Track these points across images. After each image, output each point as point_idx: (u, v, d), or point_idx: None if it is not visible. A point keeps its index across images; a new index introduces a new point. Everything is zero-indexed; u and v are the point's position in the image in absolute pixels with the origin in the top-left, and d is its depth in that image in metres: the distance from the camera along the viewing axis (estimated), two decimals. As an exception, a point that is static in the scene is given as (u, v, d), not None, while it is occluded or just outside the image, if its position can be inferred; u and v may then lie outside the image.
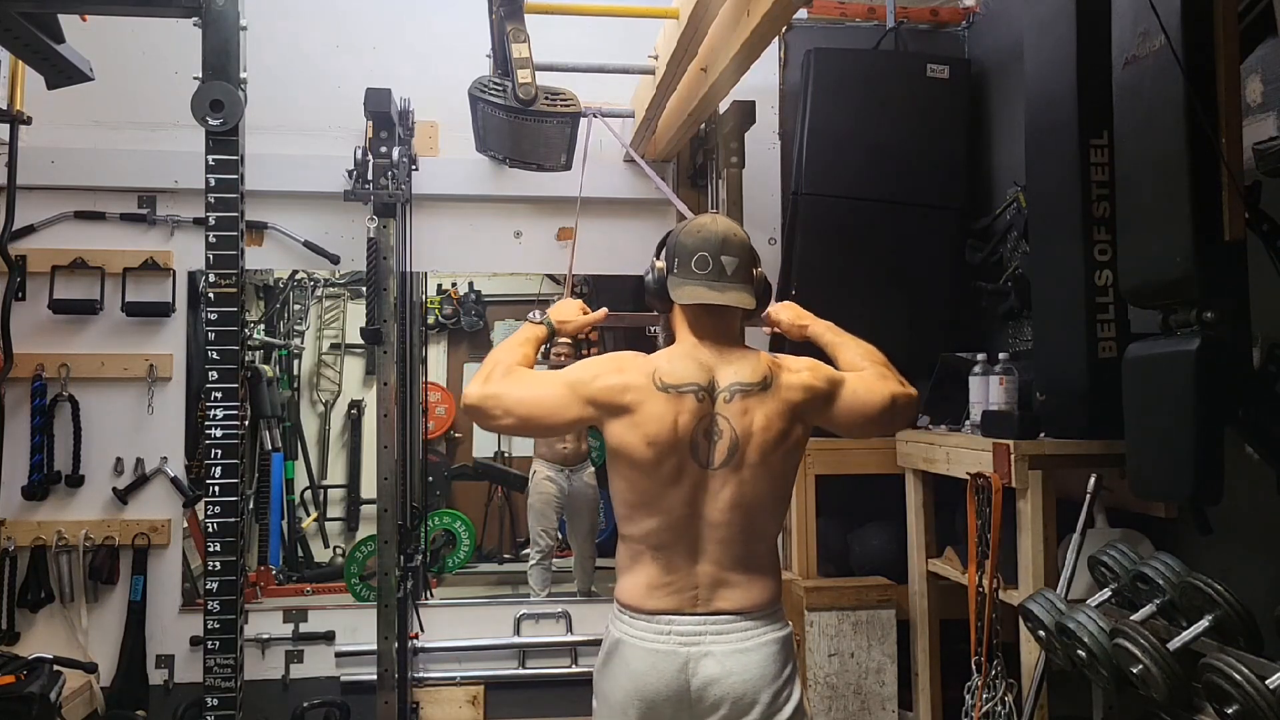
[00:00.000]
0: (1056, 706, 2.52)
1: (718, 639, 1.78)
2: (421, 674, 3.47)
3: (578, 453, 4.62)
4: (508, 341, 1.96)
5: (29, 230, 3.36)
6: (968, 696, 2.70)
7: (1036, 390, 2.65)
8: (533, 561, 4.58)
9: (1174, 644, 1.70)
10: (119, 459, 3.42)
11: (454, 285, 5.32)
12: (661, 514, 1.80)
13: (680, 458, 1.78)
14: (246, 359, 2.55)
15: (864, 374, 1.99)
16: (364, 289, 3.37)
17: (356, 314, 5.26)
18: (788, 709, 1.80)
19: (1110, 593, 2.03)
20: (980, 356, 2.91)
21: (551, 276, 5.32)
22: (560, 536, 4.71)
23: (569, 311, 2.07)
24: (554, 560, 4.65)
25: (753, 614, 1.81)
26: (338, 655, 3.50)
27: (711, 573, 1.80)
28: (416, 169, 3.44)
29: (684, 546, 1.80)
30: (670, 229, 1.97)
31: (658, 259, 1.92)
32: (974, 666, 2.69)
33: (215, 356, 2.25)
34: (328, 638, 3.52)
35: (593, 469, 4.64)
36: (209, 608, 2.24)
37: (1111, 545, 2.08)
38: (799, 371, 1.87)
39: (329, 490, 5.25)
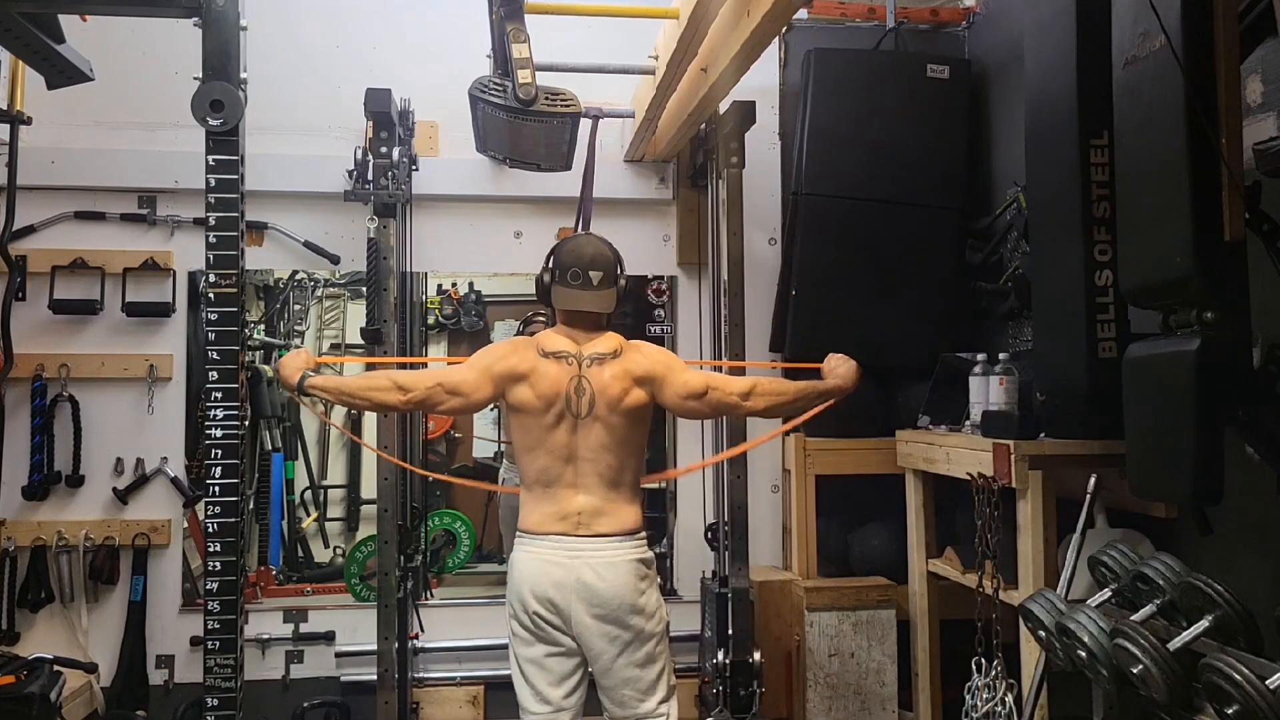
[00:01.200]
0: (1056, 706, 2.52)
1: (594, 555, 2.31)
2: (421, 674, 3.48)
3: None
4: (367, 376, 2.63)
5: (29, 230, 3.36)
6: (968, 696, 2.70)
7: (1036, 390, 2.65)
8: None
9: (1174, 644, 1.70)
10: (119, 459, 3.42)
11: (454, 285, 5.30)
12: (547, 452, 2.34)
13: (560, 406, 2.34)
14: (246, 359, 2.55)
15: (712, 375, 2.55)
16: (364, 289, 3.37)
17: (356, 314, 5.24)
18: (648, 609, 2.33)
19: (1110, 593, 2.03)
20: (980, 356, 2.91)
21: (551, 276, 5.32)
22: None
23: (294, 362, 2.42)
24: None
25: (621, 535, 2.34)
26: (338, 655, 3.50)
27: (588, 502, 2.34)
28: (416, 169, 3.44)
29: (566, 481, 2.35)
30: (560, 240, 2.52)
31: (544, 269, 2.46)
32: (974, 666, 2.69)
33: (215, 356, 2.24)
34: (328, 638, 3.53)
35: None
36: (209, 608, 2.24)
37: (1111, 545, 2.08)
38: (648, 354, 2.44)
39: (329, 490, 5.25)
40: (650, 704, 2.35)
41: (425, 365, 3.26)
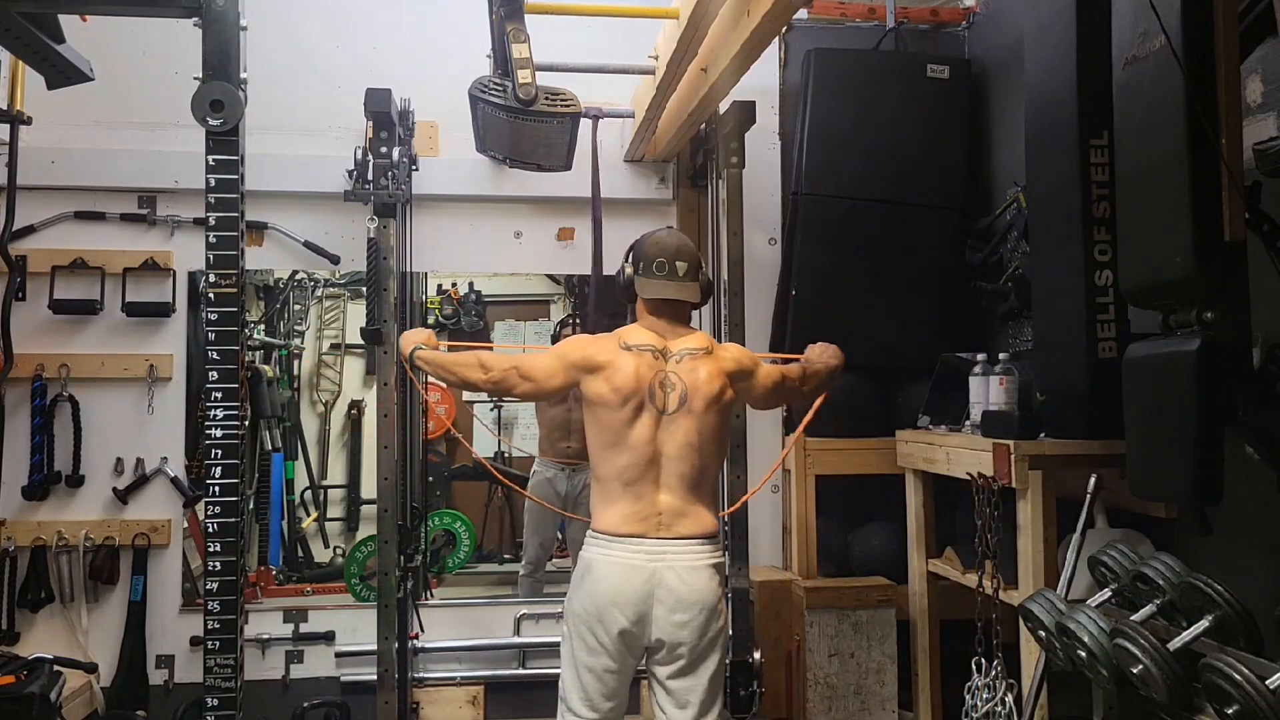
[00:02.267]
0: (1056, 706, 2.52)
1: (677, 558, 2.23)
2: (421, 674, 3.47)
3: (582, 451, 4.50)
4: (461, 354, 2.55)
5: (29, 230, 3.36)
6: (968, 696, 2.70)
7: (1036, 390, 2.65)
8: (523, 571, 4.50)
9: (1174, 644, 1.70)
10: (119, 459, 3.42)
11: (454, 285, 5.32)
12: (628, 450, 2.27)
13: (640, 401, 2.27)
14: (246, 359, 2.55)
15: (775, 366, 2.58)
16: (364, 289, 3.37)
17: (356, 314, 5.26)
18: (722, 619, 2.29)
19: (1110, 593, 2.03)
20: (980, 357, 2.91)
21: (551, 276, 5.32)
22: (560, 536, 4.70)
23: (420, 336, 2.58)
24: (554, 559, 4.63)
25: (702, 539, 2.28)
26: (338, 655, 3.49)
27: (671, 503, 2.26)
28: (416, 169, 3.43)
29: (649, 480, 2.27)
30: (639, 237, 2.48)
31: (626, 263, 2.44)
32: (974, 666, 2.69)
33: (215, 356, 2.24)
34: (328, 638, 3.52)
35: None
36: (209, 608, 2.24)
37: (1111, 545, 2.08)
38: (732, 350, 2.46)
39: (329, 490, 5.25)
40: (714, 712, 2.29)
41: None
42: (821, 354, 2.61)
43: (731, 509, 3.15)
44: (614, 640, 2.23)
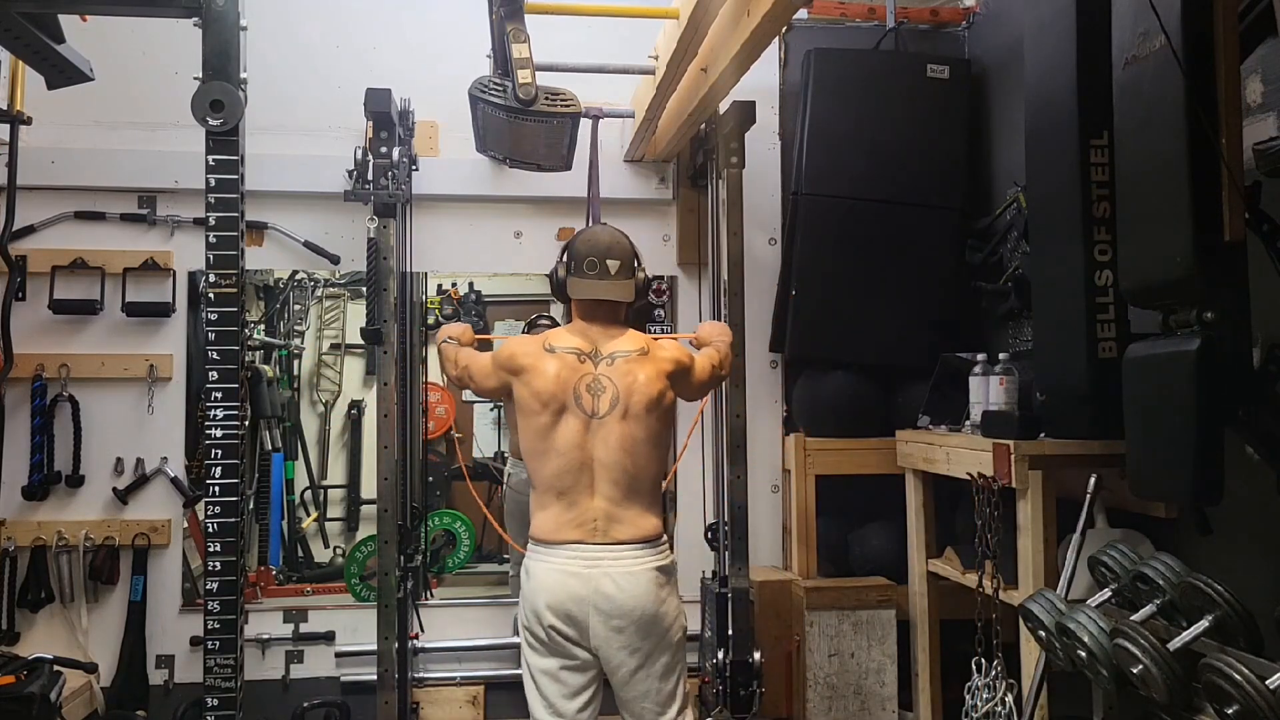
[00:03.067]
0: (1056, 706, 2.51)
1: (614, 563, 2.21)
2: (421, 674, 3.47)
3: None
4: (453, 347, 2.58)
5: (29, 230, 3.36)
6: (968, 696, 2.70)
7: (1037, 390, 2.65)
8: (514, 573, 4.51)
9: (1174, 644, 1.70)
10: (119, 459, 3.42)
11: (454, 285, 5.31)
12: (556, 456, 2.25)
13: (561, 404, 2.25)
14: (246, 359, 2.55)
15: (702, 356, 2.52)
16: (364, 289, 3.37)
17: (356, 314, 5.25)
18: (668, 620, 2.25)
19: (1110, 593, 2.03)
20: (980, 357, 2.91)
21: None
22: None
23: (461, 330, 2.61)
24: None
25: (640, 543, 2.25)
26: (338, 655, 3.50)
27: (606, 509, 2.24)
28: (416, 169, 3.44)
29: (582, 486, 2.25)
30: (574, 234, 2.47)
31: (560, 263, 2.41)
32: (974, 666, 2.69)
33: (215, 356, 2.24)
34: (328, 638, 3.52)
35: None
36: (209, 608, 2.24)
37: (1111, 545, 2.08)
38: (669, 348, 2.40)
39: (329, 490, 5.25)
40: (670, 714, 2.28)
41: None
42: (718, 332, 2.63)
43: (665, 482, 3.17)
44: (556, 640, 2.24)
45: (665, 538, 2.34)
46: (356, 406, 5.26)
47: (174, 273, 3.45)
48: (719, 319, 3.43)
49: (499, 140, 2.94)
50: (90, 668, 3.26)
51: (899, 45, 3.80)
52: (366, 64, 3.53)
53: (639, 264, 2.42)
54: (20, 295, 3.31)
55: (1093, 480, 2.38)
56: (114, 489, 3.40)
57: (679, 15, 2.55)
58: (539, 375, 2.27)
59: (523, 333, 4.77)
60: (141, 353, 3.43)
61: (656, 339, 2.44)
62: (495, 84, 2.62)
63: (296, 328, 5.14)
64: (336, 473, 5.28)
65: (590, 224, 3.24)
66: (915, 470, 3.26)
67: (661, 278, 3.82)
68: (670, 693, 2.28)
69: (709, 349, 2.55)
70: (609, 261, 2.34)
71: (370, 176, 3.16)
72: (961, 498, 3.01)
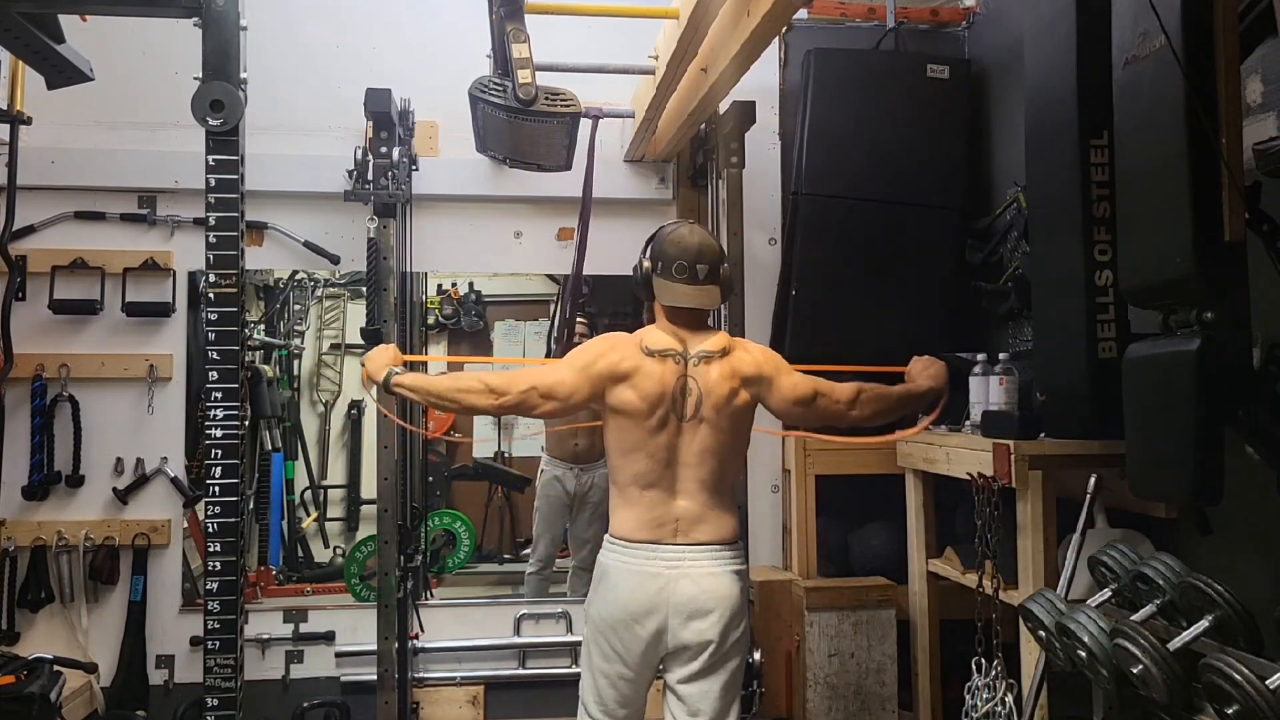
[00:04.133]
0: (1056, 706, 2.51)
1: (694, 564, 2.18)
2: (421, 674, 3.47)
3: (590, 450, 4.38)
4: (457, 377, 2.55)
5: (29, 230, 3.36)
6: (968, 696, 2.70)
7: (1036, 390, 2.65)
8: (531, 569, 4.48)
9: (1174, 644, 1.70)
10: (119, 459, 3.42)
11: (454, 285, 5.31)
12: (647, 456, 2.21)
13: (665, 407, 2.21)
14: (246, 359, 2.55)
15: (819, 380, 2.36)
16: (364, 289, 3.37)
17: (356, 314, 5.25)
18: (741, 625, 2.23)
19: (1110, 593, 2.03)
20: (980, 356, 2.91)
21: (551, 276, 5.32)
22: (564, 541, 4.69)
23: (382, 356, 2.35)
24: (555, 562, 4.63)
25: (720, 545, 2.22)
26: (338, 655, 3.50)
27: (688, 509, 2.21)
28: (416, 169, 3.44)
29: (665, 486, 2.21)
30: (658, 227, 2.35)
31: (644, 258, 2.32)
32: (974, 666, 2.69)
33: (215, 356, 2.25)
34: (328, 638, 3.52)
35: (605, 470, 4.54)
36: (209, 608, 2.24)
37: (1111, 545, 2.08)
38: (754, 352, 2.32)
39: (329, 490, 5.25)
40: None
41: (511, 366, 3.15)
42: (923, 369, 2.43)
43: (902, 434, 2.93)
44: (629, 649, 2.19)
45: (740, 542, 2.31)
46: (356, 406, 5.26)
47: (174, 273, 3.45)
48: (719, 319, 3.42)
49: (499, 140, 2.94)
50: (90, 668, 3.26)
51: (899, 45, 3.80)
52: (366, 64, 3.53)
53: (727, 264, 2.34)
54: (20, 295, 3.31)
55: (1093, 480, 2.38)
56: (114, 489, 3.40)
57: (679, 15, 2.55)
58: (647, 378, 2.20)
59: (555, 339, 4.69)
60: (141, 353, 3.43)
61: (741, 342, 2.35)
62: (495, 84, 2.62)
63: (296, 328, 5.14)
64: (336, 473, 5.28)
65: (580, 224, 3.23)
66: (915, 470, 3.26)
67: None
68: (732, 701, 2.24)
69: (848, 385, 2.34)
70: (699, 266, 2.25)
71: (370, 176, 3.16)
72: (961, 498, 3.01)
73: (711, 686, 2.20)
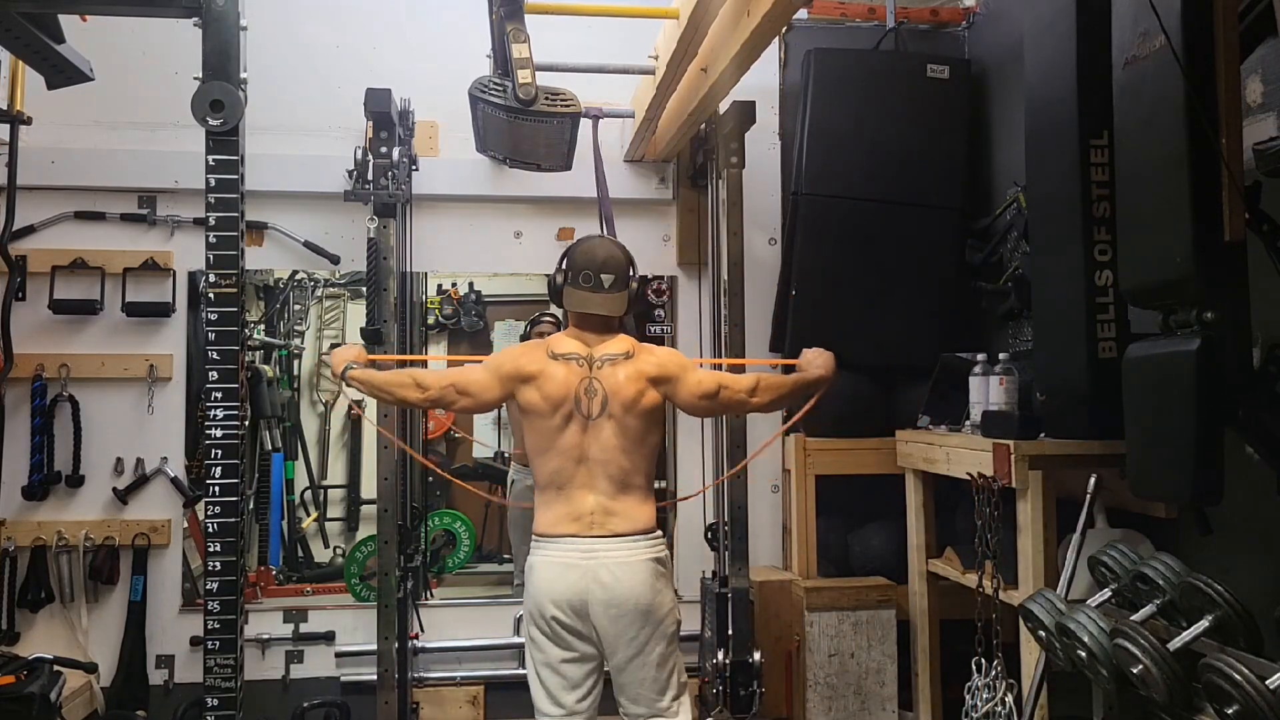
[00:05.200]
0: (1056, 706, 2.52)
1: (609, 554, 2.33)
2: (421, 674, 3.47)
3: None
4: (395, 373, 2.68)
5: (29, 230, 3.36)
6: (968, 696, 2.70)
7: (1036, 390, 2.65)
8: (517, 580, 4.51)
9: (1174, 644, 1.70)
10: (119, 459, 3.42)
11: (454, 285, 5.30)
12: (559, 454, 2.37)
13: (568, 408, 2.37)
14: (246, 359, 2.55)
15: (721, 374, 2.59)
16: (364, 289, 3.37)
17: (356, 314, 5.24)
18: (665, 609, 2.37)
19: (1110, 593, 2.03)
20: (980, 357, 2.91)
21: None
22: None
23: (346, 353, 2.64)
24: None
25: (636, 535, 2.36)
26: (338, 655, 3.50)
27: (601, 502, 2.36)
28: (416, 169, 3.44)
29: (579, 482, 2.37)
30: (574, 241, 2.54)
31: (558, 271, 2.49)
32: (974, 666, 2.69)
33: (215, 356, 2.25)
34: (328, 638, 3.53)
35: None
36: (209, 608, 2.24)
37: (1111, 545, 2.08)
38: (659, 354, 2.48)
39: (329, 490, 5.24)
40: (665, 701, 2.39)
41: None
42: (812, 360, 2.61)
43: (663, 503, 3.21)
44: (557, 634, 2.34)
45: (659, 531, 2.45)
46: (357, 406, 5.25)
47: (174, 273, 3.46)
48: (719, 319, 3.43)
49: (499, 140, 2.94)
50: (90, 668, 3.26)
51: (899, 45, 3.80)
52: (366, 64, 3.53)
53: (634, 275, 2.51)
54: (20, 295, 3.31)
55: (1093, 480, 2.38)
56: (114, 489, 3.41)
57: (679, 15, 2.55)
58: (549, 380, 2.38)
59: (525, 332, 4.77)
60: (141, 353, 3.43)
61: (646, 346, 2.50)
62: (495, 84, 2.63)
63: (296, 328, 5.13)
64: (336, 473, 5.27)
65: (601, 224, 3.25)
66: (915, 470, 3.26)
67: (661, 278, 3.83)
68: (666, 680, 2.39)
69: (747, 376, 2.55)
70: (603, 276, 2.43)
71: (370, 176, 3.16)
72: (961, 498, 3.01)
73: (644, 672, 2.35)
